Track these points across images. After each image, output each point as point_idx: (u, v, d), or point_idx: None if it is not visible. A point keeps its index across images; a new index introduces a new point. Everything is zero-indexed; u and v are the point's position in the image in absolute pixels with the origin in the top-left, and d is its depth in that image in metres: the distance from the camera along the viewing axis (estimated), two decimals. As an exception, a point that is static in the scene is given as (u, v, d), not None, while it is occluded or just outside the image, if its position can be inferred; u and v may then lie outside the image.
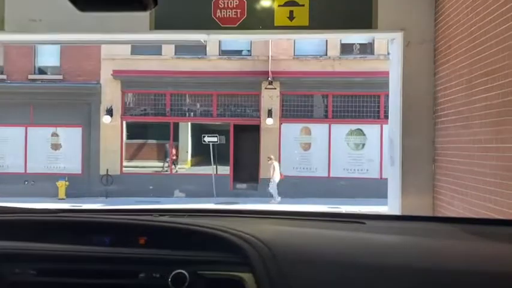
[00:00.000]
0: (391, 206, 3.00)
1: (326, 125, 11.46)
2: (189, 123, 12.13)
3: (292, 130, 11.50)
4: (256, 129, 11.55)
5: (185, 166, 12.14)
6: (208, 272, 0.77)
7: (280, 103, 11.52)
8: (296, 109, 11.57)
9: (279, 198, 10.25)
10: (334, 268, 0.72)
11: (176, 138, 12.04)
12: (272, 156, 10.66)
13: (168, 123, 11.88)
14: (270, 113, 11.32)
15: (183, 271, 0.75)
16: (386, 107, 11.37)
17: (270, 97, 11.47)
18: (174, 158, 11.94)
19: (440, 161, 2.53)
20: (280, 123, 11.51)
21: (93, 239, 0.85)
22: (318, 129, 11.45)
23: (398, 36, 2.98)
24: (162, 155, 12.10)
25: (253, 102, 11.70)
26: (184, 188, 11.21)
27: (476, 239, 0.90)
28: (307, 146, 11.54)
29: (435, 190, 2.57)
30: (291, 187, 10.82)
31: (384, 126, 11.23)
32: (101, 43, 9.18)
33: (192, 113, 12.00)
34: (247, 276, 0.74)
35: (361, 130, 11.44)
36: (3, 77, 11.80)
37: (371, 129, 11.34)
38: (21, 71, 11.82)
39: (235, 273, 0.75)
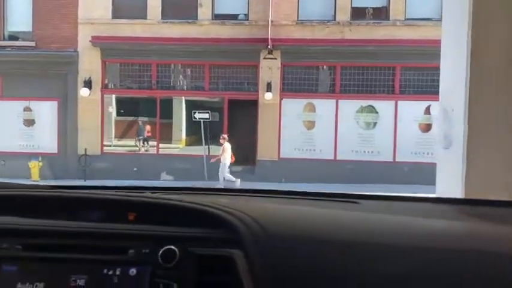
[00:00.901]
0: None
1: (333, 101, 10.42)
2: (179, 98, 11.14)
3: (295, 106, 10.49)
4: (253, 105, 10.55)
5: (179, 146, 11.24)
6: (199, 248, 0.76)
7: (281, 75, 10.45)
8: (299, 82, 10.51)
9: (224, 180, 9.31)
10: (326, 245, 0.75)
11: (165, 115, 11.09)
12: (226, 136, 9.66)
13: (154, 97, 10.92)
14: (269, 87, 10.29)
15: (173, 247, 0.75)
16: (402, 80, 10.46)
17: (270, 68, 10.39)
18: (149, 135, 11.08)
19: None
20: (281, 99, 10.49)
21: (81, 215, 0.86)
22: (324, 106, 10.43)
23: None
24: (150, 132, 11.21)
25: (251, 74, 10.64)
26: (172, 170, 10.37)
27: (476, 219, 0.94)
28: (311, 125, 10.56)
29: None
30: (292, 171, 9.93)
31: (399, 102, 10.23)
32: None
33: (180, 86, 11.00)
34: (237, 253, 0.74)
35: (372, 107, 10.40)
36: (-32, 43, 10.82)
37: (384, 106, 10.31)
38: (-12, 37, 10.83)
39: (225, 250, 0.75)
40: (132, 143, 11.32)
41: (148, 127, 11.11)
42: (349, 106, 10.37)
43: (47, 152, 10.60)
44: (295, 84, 10.53)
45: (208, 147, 10.64)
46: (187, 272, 0.75)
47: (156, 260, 0.75)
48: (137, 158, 10.85)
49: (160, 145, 10.96)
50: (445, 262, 0.71)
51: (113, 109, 11.23)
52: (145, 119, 11.18)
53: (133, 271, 0.75)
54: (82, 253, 0.77)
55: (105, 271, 0.75)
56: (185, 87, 10.98)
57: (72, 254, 0.77)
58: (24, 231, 0.80)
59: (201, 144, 10.57)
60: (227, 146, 9.51)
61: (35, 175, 10.21)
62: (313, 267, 0.72)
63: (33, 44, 10.86)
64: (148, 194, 0.98)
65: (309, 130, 10.56)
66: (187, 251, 0.76)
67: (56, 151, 10.83)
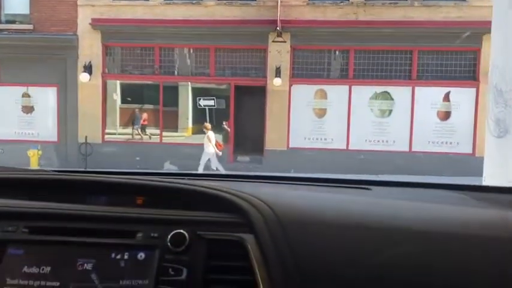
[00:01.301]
0: None
1: (345, 87, 10.31)
2: (185, 85, 11.10)
3: (305, 93, 10.40)
4: (261, 91, 10.49)
5: (185, 134, 11.24)
6: (209, 232, 0.78)
7: (291, 60, 10.35)
8: (310, 67, 10.40)
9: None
10: (337, 230, 0.76)
11: (170, 102, 11.08)
12: (208, 125, 9.78)
13: (157, 83, 10.91)
14: (278, 72, 10.20)
15: (182, 231, 0.76)
16: (420, 64, 10.31)
17: (279, 52, 10.29)
18: (145, 123, 11.10)
19: None
20: (290, 85, 10.41)
21: (89, 198, 0.88)
22: (336, 92, 10.33)
23: None
24: (150, 121, 11.21)
25: (258, 59, 10.55)
26: (176, 159, 10.39)
27: (488, 206, 0.96)
28: (322, 112, 10.49)
29: None
30: (302, 161, 9.90)
31: (416, 88, 10.10)
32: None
33: (184, 72, 10.95)
34: (248, 237, 0.76)
35: (388, 93, 10.27)
36: (-36, 26, 10.86)
37: (400, 92, 10.17)
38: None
39: (236, 234, 0.77)
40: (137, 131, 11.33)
41: (145, 115, 11.13)
42: (363, 92, 10.26)
43: (46, 140, 10.69)
44: (305, 69, 10.43)
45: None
46: (197, 257, 0.75)
47: (165, 244, 0.76)
48: (140, 147, 10.89)
49: (165, 133, 10.97)
50: (456, 247, 0.74)
51: (117, 96, 11.24)
52: (151, 106, 11.17)
53: (141, 255, 0.75)
54: (90, 237, 0.78)
55: (113, 255, 0.76)
56: (189, 73, 10.94)
57: (80, 237, 0.78)
58: (30, 214, 0.82)
59: (202, 132, 10.57)
60: (211, 134, 9.60)
61: (34, 164, 10.30)
62: (324, 251, 0.73)
63: (30, 27, 10.86)
64: (156, 178, 1.00)
65: (319, 118, 10.49)
66: (197, 235, 0.77)
67: (55, 139, 10.92)
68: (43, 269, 0.75)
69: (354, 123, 10.30)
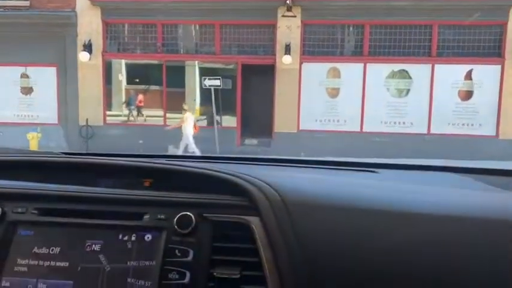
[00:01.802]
0: None
1: (360, 65, 10.23)
2: (191, 65, 11.10)
3: (316, 71, 10.35)
4: (270, 70, 10.45)
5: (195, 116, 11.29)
6: (214, 214, 0.82)
7: (302, 36, 10.26)
8: (322, 44, 10.31)
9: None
10: (343, 213, 0.79)
11: (176, 82, 11.10)
12: (186, 107, 10.11)
13: (160, 62, 10.92)
14: (287, 49, 10.13)
15: (189, 213, 0.81)
16: (440, 40, 10.16)
17: (288, 28, 10.20)
18: (141, 105, 11.18)
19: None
20: (301, 63, 10.34)
21: (96, 181, 0.92)
22: (350, 70, 10.25)
23: None
24: (155, 102, 11.27)
25: (267, 35, 10.47)
26: (180, 143, 10.48)
27: (495, 189, 1.00)
28: (334, 92, 10.44)
29: None
30: (313, 144, 9.91)
31: (435, 66, 9.97)
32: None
33: (189, 50, 10.94)
34: (254, 220, 0.80)
35: (405, 71, 10.16)
36: (-42, 3, 10.90)
37: (419, 71, 10.06)
38: (-21, -4, 10.88)
39: (241, 217, 0.81)
40: (147, 112, 11.35)
41: (140, 96, 11.21)
42: (379, 71, 10.17)
43: (46, 123, 10.83)
44: (317, 46, 10.33)
45: (220, 118, 10.68)
46: (203, 238, 0.80)
47: (171, 226, 0.80)
48: (143, 130, 10.98)
49: (169, 115, 11.03)
50: (467, 232, 0.76)
51: (122, 77, 11.29)
52: (155, 87, 11.20)
53: (148, 237, 0.80)
54: (98, 218, 0.83)
55: (121, 236, 0.81)
56: (194, 51, 10.92)
57: (88, 219, 0.83)
58: (39, 196, 0.86)
59: (208, 114, 10.65)
60: (189, 116, 9.84)
61: (33, 147, 10.47)
62: (330, 234, 0.76)
63: (27, 3, 10.88)
64: (163, 160, 1.03)
65: (332, 98, 10.45)
66: (203, 217, 0.81)
67: (55, 121, 11.06)
68: (52, 250, 0.80)
69: (369, 103, 10.25)
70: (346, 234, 0.76)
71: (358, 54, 10.31)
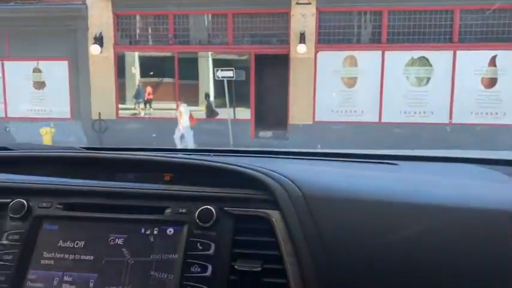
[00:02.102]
0: None
1: (378, 53, 10.11)
2: (204, 56, 11.14)
3: (332, 60, 10.27)
4: (284, 60, 10.42)
5: (204, 108, 11.35)
6: (235, 208, 0.85)
7: (317, 24, 10.18)
8: (338, 32, 10.22)
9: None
10: (362, 206, 0.81)
11: (189, 74, 11.16)
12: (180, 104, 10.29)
13: (172, 54, 10.98)
14: (302, 38, 10.07)
15: (210, 207, 0.84)
16: (462, 25, 9.95)
17: (303, 16, 10.13)
18: (150, 97, 11.28)
19: None
20: (316, 52, 10.28)
21: (118, 175, 0.96)
22: (367, 59, 10.15)
23: None
24: (167, 95, 11.36)
25: (280, 24, 10.42)
26: (193, 135, 10.56)
27: None
28: (351, 82, 10.36)
29: None
30: (329, 136, 9.89)
31: (457, 53, 9.80)
32: None
33: (200, 41, 10.97)
34: (274, 213, 0.82)
35: (425, 59, 10.01)
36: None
37: (439, 57, 9.90)
38: (-11, -9, 11.06)
39: (261, 210, 0.84)
40: (159, 105, 11.47)
41: (149, 89, 11.29)
42: (398, 58, 10.04)
43: (59, 117, 11.01)
44: (333, 34, 10.25)
45: (234, 110, 10.71)
46: (224, 232, 0.83)
47: (193, 219, 0.83)
48: (157, 123, 11.08)
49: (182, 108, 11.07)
50: (484, 223, 0.78)
51: (134, 69, 11.40)
52: (170, 79, 11.26)
53: (170, 230, 0.84)
54: (120, 213, 0.87)
55: (143, 230, 0.84)
56: (206, 42, 10.94)
57: (111, 213, 0.87)
58: (64, 191, 0.91)
59: (221, 106, 10.68)
60: (183, 109, 10.02)
61: (47, 142, 10.66)
62: (349, 227, 0.78)
63: (37, -4, 11.03)
64: (182, 155, 1.07)
65: (349, 88, 10.38)
66: (223, 211, 0.85)
67: (68, 116, 11.25)
68: (77, 244, 0.84)
69: (388, 92, 10.14)
70: (365, 227, 0.78)
71: (375, 41, 10.19)
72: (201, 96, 11.34)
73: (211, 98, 11.26)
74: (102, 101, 10.96)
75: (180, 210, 0.85)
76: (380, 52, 10.10)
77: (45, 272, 0.82)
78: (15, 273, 0.82)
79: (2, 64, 11.28)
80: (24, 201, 0.87)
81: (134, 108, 11.52)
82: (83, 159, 1.03)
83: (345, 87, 10.38)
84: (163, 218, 0.85)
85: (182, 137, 9.94)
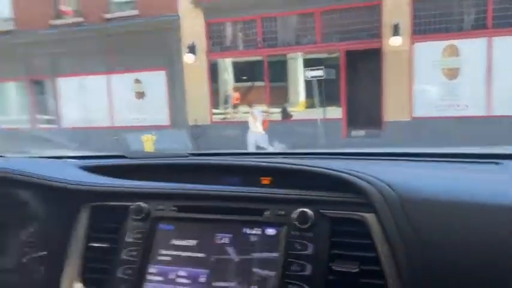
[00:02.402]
0: None
1: (483, 40, 9.33)
2: (293, 57, 11.27)
3: (430, 51, 9.71)
4: (376, 54, 10.09)
5: (297, 109, 11.46)
6: (331, 211, 0.90)
7: (412, 13, 9.71)
8: (435, 20, 9.62)
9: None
10: (460, 209, 0.80)
11: (278, 76, 11.38)
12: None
13: (261, 58, 11.26)
14: (396, 30, 9.66)
15: (307, 210, 0.89)
16: None
17: (396, 6, 9.73)
18: (237, 102, 11.59)
19: None
20: (412, 43, 9.80)
21: (221, 179, 1.07)
22: (470, 47, 9.42)
23: None
24: (258, 98, 11.66)
25: (371, 17, 10.11)
26: (283, 137, 10.69)
27: None
28: (452, 73, 9.69)
29: None
30: (429, 133, 9.35)
31: None
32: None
33: (288, 42, 11.09)
34: (370, 216, 0.86)
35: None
36: (80, 19, 12.53)
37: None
38: (96, 11, 12.36)
39: (357, 213, 0.88)
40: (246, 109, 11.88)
41: (236, 94, 11.70)
42: (507, 44, 9.15)
43: (158, 125, 11.92)
44: (430, 23, 9.68)
45: (324, 109, 10.64)
46: (321, 234, 0.88)
47: (291, 221, 0.90)
48: (248, 126, 11.43)
49: (273, 110, 11.32)
50: None
51: (226, 75, 11.97)
52: (260, 83, 11.57)
53: (270, 231, 0.91)
54: (224, 214, 0.96)
55: (245, 230, 0.93)
56: (294, 42, 11.03)
57: (217, 215, 0.97)
58: (176, 195, 1.03)
59: (311, 107, 10.67)
60: (256, 112, 10.02)
61: (148, 149, 11.58)
62: (447, 230, 0.78)
63: (136, 12, 12.06)
64: (280, 159, 1.17)
65: (450, 80, 9.72)
66: (320, 214, 0.90)
67: (167, 123, 12.12)
68: (189, 242, 0.96)
69: (498, 82, 9.29)
70: (463, 230, 0.78)
71: (480, 27, 9.40)
72: (293, 98, 11.46)
73: (302, 98, 11.33)
74: (197, 107, 11.62)
75: (279, 212, 0.91)
76: (485, 39, 9.31)
77: (163, 266, 0.95)
78: (139, 267, 0.96)
79: (109, 78, 12.54)
80: (144, 205, 1.01)
81: (225, 113, 12.04)
82: (192, 166, 1.17)
83: (446, 79, 9.74)
84: (264, 219, 0.92)
85: (256, 141, 10.02)
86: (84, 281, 1.00)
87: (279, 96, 11.40)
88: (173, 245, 0.97)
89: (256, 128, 10.07)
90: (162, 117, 12.15)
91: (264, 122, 10.15)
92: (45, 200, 1.09)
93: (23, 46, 12.53)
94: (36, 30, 12.46)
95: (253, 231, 0.92)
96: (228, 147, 10.51)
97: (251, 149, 10.11)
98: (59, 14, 12.81)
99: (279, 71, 11.42)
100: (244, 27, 11.33)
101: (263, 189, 0.99)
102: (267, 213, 0.93)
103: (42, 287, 1.05)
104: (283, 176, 1.02)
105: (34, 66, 12.88)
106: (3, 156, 1.46)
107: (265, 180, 1.05)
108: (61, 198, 1.09)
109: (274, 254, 0.88)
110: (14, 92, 13.96)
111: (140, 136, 11.51)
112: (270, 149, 9.96)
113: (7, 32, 13.04)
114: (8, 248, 1.10)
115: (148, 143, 11.52)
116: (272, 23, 11.03)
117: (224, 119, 11.99)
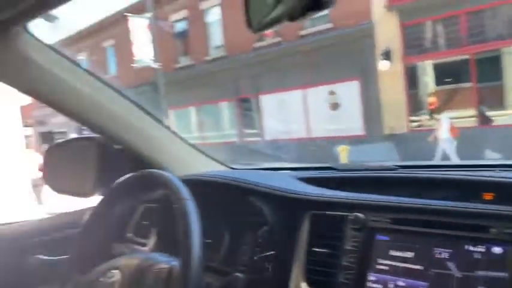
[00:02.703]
0: None
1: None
2: (504, 52, 9.96)
3: None
4: None
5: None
6: None
7: None
8: None
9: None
10: None
11: (484, 76, 10.21)
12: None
13: (465, 57, 10.25)
14: None
15: None
16: None
17: None
18: (432, 107, 10.71)
19: None
20: None
21: (435, 194, 1.05)
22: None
23: None
24: (461, 102, 10.63)
25: None
26: (499, 146, 9.43)
27: None
28: None
29: None
30: None
31: None
32: None
33: (502, 36, 9.78)
34: None
35: None
36: (278, 39, 13.68)
37: None
38: (292, 29, 13.26)
39: None
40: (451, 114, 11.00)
41: (431, 99, 10.94)
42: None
43: (352, 135, 12.02)
44: None
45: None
46: None
47: None
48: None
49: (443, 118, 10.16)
50: None
51: (428, 79, 11.36)
52: (467, 84, 10.58)
53: (497, 250, 0.88)
54: (443, 229, 0.97)
55: (467, 247, 0.92)
56: (507, 35, 9.70)
57: (435, 229, 0.98)
58: (391, 207, 1.08)
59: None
60: (443, 118, 9.37)
61: (343, 159, 11.75)
62: None
63: (330, 25, 12.48)
64: (498, 172, 1.10)
65: None
66: None
67: (361, 132, 12.12)
68: (406, 254, 0.99)
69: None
70: None
71: None
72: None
73: None
74: (393, 115, 11.27)
75: (506, 231, 0.88)
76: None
77: (381, 275, 1.01)
78: (357, 274, 1.04)
79: (305, 92, 13.31)
80: (361, 215, 1.09)
81: (421, 120, 11.36)
82: (400, 179, 1.20)
83: None
84: (490, 236, 0.90)
85: (443, 149, 9.49)
86: (309, 282, 1.13)
87: (492, 97, 10.13)
88: (390, 255, 1.01)
89: (443, 135, 9.60)
90: (357, 126, 12.20)
91: (452, 129, 9.56)
92: (271, 206, 1.27)
93: (231, 69, 14.42)
94: (241, 54, 14.17)
95: (477, 249, 0.90)
96: (418, 157, 9.88)
97: (437, 158, 9.50)
98: (261, 37, 14.25)
99: (489, 69, 10.19)
100: (444, 25, 10.53)
101: (487, 206, 0.95)
102: (493, 230, 0.90)
103: (272, 284, 1.20)
104: (507, 192, 0.97)
105: (241, 87, 14.64)
106: (234, 168, 1.76)
107: (488, 196, 1.00)
108: (284, 206, 1.25)
109: (502, 274, 0.85)
110: (226, 110, 16.16)
111: (335, 146, 11.83)
112: (456, 159, 9.23)
113: (219, 58, 15.23)
114: (242, 247, 1.31)
115: (343, 153, 11.72)
116: (479, 16, 9.94)
117: (419, 126, 11.31)
